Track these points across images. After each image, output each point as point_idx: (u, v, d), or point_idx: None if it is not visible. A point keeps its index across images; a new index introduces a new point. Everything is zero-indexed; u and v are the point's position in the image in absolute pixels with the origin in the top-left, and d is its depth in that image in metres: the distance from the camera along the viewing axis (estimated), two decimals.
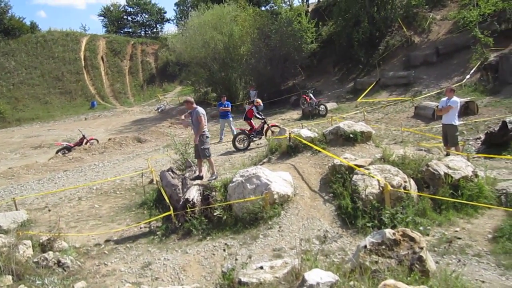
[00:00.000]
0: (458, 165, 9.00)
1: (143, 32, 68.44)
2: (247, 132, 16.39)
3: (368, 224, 7.90)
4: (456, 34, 25.32)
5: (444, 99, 11.69)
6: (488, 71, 20.48)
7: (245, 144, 16.23)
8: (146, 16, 68.60)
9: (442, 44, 25.42)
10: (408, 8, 28.86)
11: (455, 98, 11.48)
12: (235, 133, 18.73)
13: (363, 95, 24.41)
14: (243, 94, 33.24)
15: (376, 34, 29.66)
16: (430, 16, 28.97)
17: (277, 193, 8.89)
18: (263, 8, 39.14)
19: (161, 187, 11.06)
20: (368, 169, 8.78)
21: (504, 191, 8.73)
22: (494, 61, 20.74)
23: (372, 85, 25.37)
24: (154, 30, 69.92)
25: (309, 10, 38.12)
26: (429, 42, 27.11)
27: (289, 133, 11.45)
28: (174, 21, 68.79)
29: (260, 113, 16.92)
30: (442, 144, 12.30)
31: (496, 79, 20.00)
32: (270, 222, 8.57)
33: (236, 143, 16.23)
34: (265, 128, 16.67)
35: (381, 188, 8.20)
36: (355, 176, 8.72)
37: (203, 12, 33.01)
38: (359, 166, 9.00)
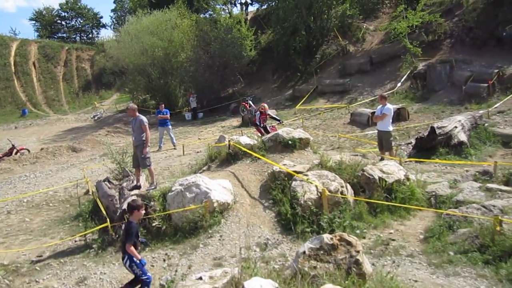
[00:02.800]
0: (391, 169, 9.36)
1: (78, 38, 66.02)
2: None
3: (308, 229, 8.01)
4: (388, 44, 26.51)
5: (379, 106, 12.14)
6: (417, 79, 21.59)
7: None
8: (81, 21, 66.23)
9: (375, 54, 26.49)
10: (343, 18, 29.86)
11: (388, 106, 11.95)
12: (174, 141, 18.48)
13: (301, 102, 24.92)
14: (183, 101, 32.93)
15: (313, 43, 30.44)
16: (364, 26, 30.15)
17: (217, 201, 8.82)
18: (202, 15, 39.05)
19: (97, 198, 10.66)
20: (306, 175, 8.93)
21: (433, 193, 9.18)
22: (422, 70, 21.88)
23: (310, 93, 25.96)
24: (90, 35, 67.66)
25: (248, 18, 38.52)
26: (363, 51, 28.17)
27: (229, 141, 11.43)
28: (111, 26, 66.77)
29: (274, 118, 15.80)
30: (377, 149, 12.75)
31: (424, 87, 21.11)
32: (210, 231, 8.48)
33: None
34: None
35: (319, 194, 8.36)
36: (294, 183, 8.83)
37: (141, 18, 32.40)
38: (298, 173, 9.13)
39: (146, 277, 6.09)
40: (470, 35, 22.76)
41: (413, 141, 13.78)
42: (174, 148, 18.00)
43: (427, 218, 8.54)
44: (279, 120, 15.88)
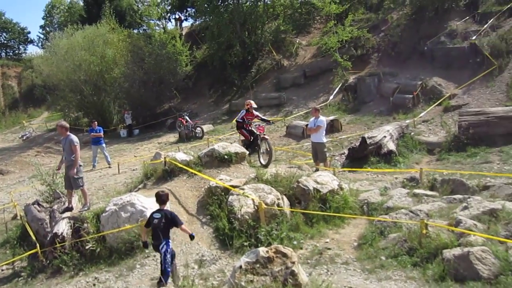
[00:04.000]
0: (325, 180, 9.63)
1: (3, 53, 62.64)
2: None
3: (246, 244, 8.03)
4: (320, 58, 27.39)
5: (312, 119, 12.48)
6: (348, 92, 22.42)
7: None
8: (7, 36, 62.93)
9: (308, 67, 27.26)
10: (277, 33, 30.52)
11: (321, 118, 12.34)
12: (109, 159, 17.96)
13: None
14: (118, 118, 32.11)
15: (248, 58, 30.86)
16: (297, 41, 30.99)
17: None
18: (136, 31, 38.46)
19: (26, 223, 10.11)
20: (243, 189, 8.98)
21: (365, 201, 9.54)
22: (353, 83, 22.78)
23: None
24: (17, 51, 64.38)
25: (183, 33, 38.40)
26: (297, 65, 28.90)
27: (164, 157, 11.28)
28: (40, 43, 63.84)
29: (263, 119, 13.29)
30: (312, 161, 13.08)
31: (355, 98, 21.97)
32: (147, 250, 8.28)
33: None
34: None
35: (256, 207, 8.43)
36: (230, 197, 8.85)
37: (73, 33, 31.33)
38: (234, 187, 9.17)
39: (170, 268, 6.49)
40: (395, 50, 24.01)
41: (346, 152, 14.28)
42: (109, 167, 17.49)
43: (361, 225, 8.84)
44: (268, 121, 13.58)
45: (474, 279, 5.86)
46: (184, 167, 10.71)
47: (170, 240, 6.60)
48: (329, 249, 7.90)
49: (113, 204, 9.07)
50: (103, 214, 8.98)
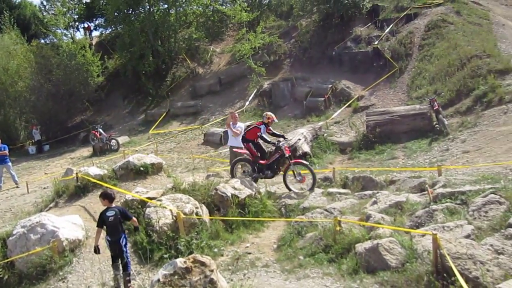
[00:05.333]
0: (243, 185, 9.74)
1: None
2: (251, 158, 11.00)
3: (166, 256, 7.88)
4: (235, 65, 27.68)
5: (230, 123, 12.54)
6: (264, 97, 22.87)
7: (249, 178, 10.77)
8: None
9: (223, 74, 27.43)
10: (190, 41, 30.35)
11: (239, 124, 12.46)
12: (16, 178, 16.80)
13: (154, 126, 24.62)
14: (25, 134, 30.11)
15: (162, 66, 30.38)
16: (211, 49, 31.07)
17: (67, 239, 8.22)
18: (42, 41, 36.35)
19: None
20: (160, 200, 8.82)
21: (283, 203, 9.78)
22: (268, 88, 23.27)
23: (162, 116, 25.76)
24: None
25: (93, 43, 36.95)
26: (212, 72, 28.97)
27: (76, 173, 10.78)
28: None
29: (276, 134, 11.45)
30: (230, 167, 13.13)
31: (271, 103, 22.47)
32: (61, 273, 7.85)
33: (236, 173, 11.34)
34: (284, 163, 10.98)
35: (174, 218, 8.31)
36: (148, 209, 8.65)
37: None
38: (152, 199, 8.98)
39: (129, 259, 7.08)
40: (306, 55, 24.92)
41: None
42: (17, 187, 16.33)
43: (280, 227, 9.05)
44: (283, 137, 11.41)
45: (384, 269, 6.20)
46: (98, 182, 10.32)
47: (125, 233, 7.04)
48: (250, 253, 8.00)
49: (20, 226, 8.49)
50: (10, 238, 8.37)
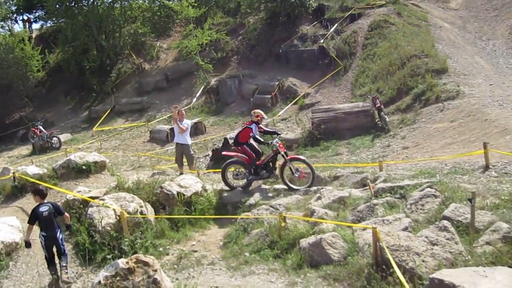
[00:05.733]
0: (189, 183, 9.67)
1: None
2: (246, 162, 10.31)
3: (109, 256, 7.69)
4: (182, 62, 27.34)
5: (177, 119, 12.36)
6: (211, 94, 22.79)
7: (240, 181, 10.46)
8: None
9: (170, 71, 27.03)
10: (136, 36, 29.67)
11: (186, 120, 12.32)
12: None
13: (98, 123, 23.88)
14: None
15: (107, 62, 29.52)
16: (158, 44, 30.49)
17: (2, 242, 7.82)
18: None
19: None
20: (103, 199, 8.59)
21: (230, 200, 9.78)
22: (215, 85, 23.19)
23: (107, 113, 25.03)
24: None
25: (33, 37, 35.28)
26: (158, 69, 28.48)
27: (13, 173, 10.28)
28: None
29: (268, 131, 11.06)
30: (176, 165, 12.98)
31: (218, 100, 22.42)
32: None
33: (227, 176, 10.56)
34: (280, 162, 10.37)
35: (118, 217, 8.12)
36: (90, 209, 8.40)
37: None
38: (94, 198, 8.73)
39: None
40: (253, 52, 25.05)
41: (210, 153, 14.48)
42: None
43: (226, 224, 9.05)
44: (275, 133, 10.80)
45: (327, 263, 6.34)
46: (37, 181, 9.85)
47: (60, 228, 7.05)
48: (196, 251, 7.96)
49: None
50: None
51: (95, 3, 28.90)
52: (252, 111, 10.94)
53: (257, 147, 10.37)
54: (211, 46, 25.98)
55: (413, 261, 5.48)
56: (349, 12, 23.87)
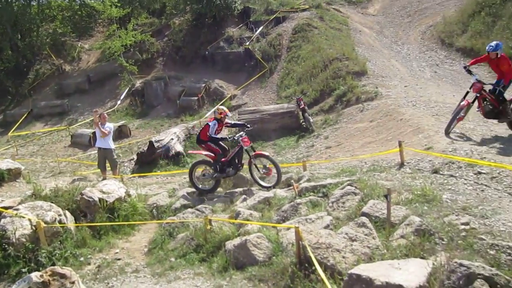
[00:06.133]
0: (112, 188, 9.34)
1: None
2: (211, 159, 9.89)
3: (24, 270, 7.21)
4: (105, 63, 26.44)
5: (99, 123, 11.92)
6: (136, 96, 22.23)
7: (208, 181, 10.08)
8: None
9: (93, 72, 26.01)
10: (55, 36, 28.32)
11: (108, 124, 11.93)
12: None
13: (14, 128, 22.45)
14: None
15: (23, 62, 27.84)
16: (79, 45, 29.27)
17: None
18: None
19: None
20: (17, 209, 8.07)
21: (155, 205, 9.58)
22: (140, 87, 22.65)
23: (24, 116, 23.58)
24: None
25: None
26: (80, 70, 27.33)
27: None
28: None
29: (237, 124, 10.72)
30: (99, 170, 12.53)
31: (143, 103, 21.94)
32: None
33: (195, 178, 10.11)
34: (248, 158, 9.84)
35: (34, 227, 7.67)
36: (3, 220, 7.84)
37: None
38: (7, 208, 8.17)
39: None
40: (179, 54, 24.78)
41: (135, 157, 14.13)
42: None
43: (151, 230, 8.84)
44: (244, 126, 10.27)
45: (252, 264, 6.37)
46: None
47: None
48: (119, 259, 7.70)
49: None
50: None
51: (9, 0, 27.17)
52: (216, 108, 10.47)
53: (222, 143, 9.94)
54: (136, 47, 25.36)
55: (334, 258, 5.65)
56: (274, 15, 24.26)
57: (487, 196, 6.73)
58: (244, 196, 8.87)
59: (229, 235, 7.17)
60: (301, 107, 15.59)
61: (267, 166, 9.51)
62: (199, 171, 10.12)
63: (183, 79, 22.54)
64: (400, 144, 9.05)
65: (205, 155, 9.89)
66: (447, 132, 9.85)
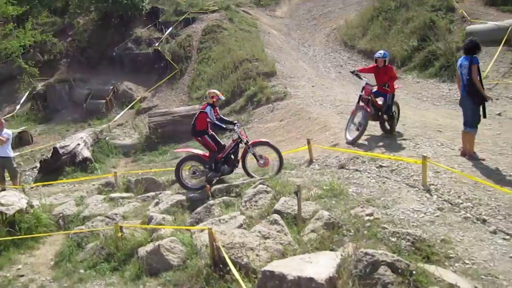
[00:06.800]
0: (11, 199, 8.71)
1: None
2: (204, 157, 9.01)
3: None
4: (2, 64, 24.42)
5: None
6: (37, 100, 20.82)
7: (199, 180, 9.12)
8: None
9: None
10: None
11: (6, 130, 11.12)
12: None
13: None
14: None
15: None
16: None
17: None
18: None
19: None
20: None
21: (61, 215, 9.09)
22: (42, 90, 21.26)
23: None
24: None
25: None
26: None
27: None
28: None
29: (225, 120, 9.29)
30: None
31: (46, 107, 20.59)
32: None
33: (183, 176, 9.17)
34: (241, 152, 9.08)
35: None
36: None
37: None
38: None
39: None
40: (84, 55, 23.55)
41: (38, 165, 13.29)
42: None
43: (58, 241, 8.40)
44: (232, 122, 9.23)
45: (167, 269, 6.25)
46: None
47: None
48: (22, 276, 7.22)
49: None
50: None
51: None
52: (207, 92, 9.40)
53: (217, 138, 9.09)
54: (36, 48, 23.76)
55: (248, 257, 5.71)
56: (183, 16, 23.98)
57: (388, 188, 7.20)
58: (156, 200, 8.68)
59: (142, 241, 7.01)
60: None
61: (263, 156, 8.90)
62: (187, 168, 9.28)
63: (90, 82, 21.50)
64: (308, 142, 9.35)
65: (196, 154, 9.17)
66: (354, 142, 9.42)
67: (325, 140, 10.54)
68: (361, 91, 9.44)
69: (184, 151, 9.99)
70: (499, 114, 11.53)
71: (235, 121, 9.36)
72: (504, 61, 14.34)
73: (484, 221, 5.96)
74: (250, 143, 8.84)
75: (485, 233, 5.72)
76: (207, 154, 8.89)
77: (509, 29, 14.64)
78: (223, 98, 9.49)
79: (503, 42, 13.89)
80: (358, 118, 9.46)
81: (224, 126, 8.98)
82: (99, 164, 13.51)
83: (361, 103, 9.36)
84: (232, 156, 8.96)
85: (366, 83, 9.38)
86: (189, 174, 9.16)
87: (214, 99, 8.89)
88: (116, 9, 23.86)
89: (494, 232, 5.71)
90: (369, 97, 9.32)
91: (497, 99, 12.38)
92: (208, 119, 8.70)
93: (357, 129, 9.40)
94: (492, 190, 6.65)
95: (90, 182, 11.85)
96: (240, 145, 9.01)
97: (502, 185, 6.81)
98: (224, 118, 9.37)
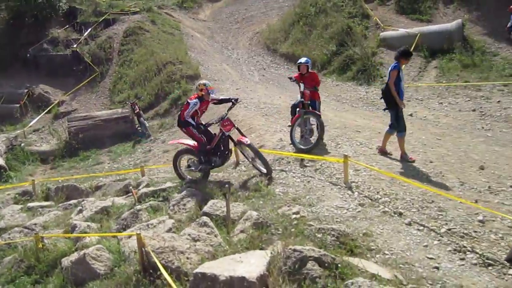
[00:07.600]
0: None
1: None
2: (194, 149, 8.38)
3: None
4: None
5: None
6: None
7: (197, 173, 8.47)
8: None
9: None
10: None
11: None
12: None
13: None
14: None
15: None
16: None
17: None
18: None
19: None
20: None
21: None
22: None
23: None
24: None
25: None
26: None
27: None
28: None
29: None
30: None
31: None
32: None
33: (180, 167, 8.71)
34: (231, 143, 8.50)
35: None
36: None
37: None
38: None
39: None
40: None
41: None
42: None
43: None
44: (231, 100, 8.52)
45: (93, 279, 6.03)
46: None
47: None
48: None
49: None
50: None
51: None
52: (197, 83, 8.85)
53: (207, 129, 8.45)
54: None
55: (179, 260, 5.68)
56: (103, 17, 23.25)
57: (313, 187, 7.48)
58: (79, 207, 8.36)
59: (65, 251, 6.73)
60: (135, 111, 15.29)
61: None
62: (184, 161, 8.90)
63: (1, 85, 20.18)
64: (234, 144, 9.31)
65: (186, 144, 8.64)
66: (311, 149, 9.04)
67: (252, 141, 10.65)
68: (301, 97, 9.18)
69: (178, 142, 9.55)
70: (411, 115, 12.38)
71: (233, 98, 8.64)
72: (414, 66, 15.42)
73: (400, 214, 6.39)
74: (237, 140, 8.34)
75: (401, 225, 6.13)
76: (198, 145, 8.42)
77: (418, 36, 15.76)
78: (215, 90, 9.08)
79: (412, 48, 14.87)
80: (312, 123, 9.28)
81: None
82: (14, 172, 12.73)
83: (306, 109, 9.10)
84: (222, 147, 8.48)
85: (305, 88, 9.12)
86: (186, 168, 8.78)
87: (203, 92, 8.28)
88: (30, 8, 22.58)
89: (409, 224, 6.13)
90: (309, 102, 9.17)
91: (409, 101, 13.25)
92: (185, 113, 8.16)
93: (310, 136, 9.23)
94: (406, 185, 7.13)
95: (5, 192, 11.12)
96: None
97: (415, 180, 7.33)
98: (223, 98, 8.89)
